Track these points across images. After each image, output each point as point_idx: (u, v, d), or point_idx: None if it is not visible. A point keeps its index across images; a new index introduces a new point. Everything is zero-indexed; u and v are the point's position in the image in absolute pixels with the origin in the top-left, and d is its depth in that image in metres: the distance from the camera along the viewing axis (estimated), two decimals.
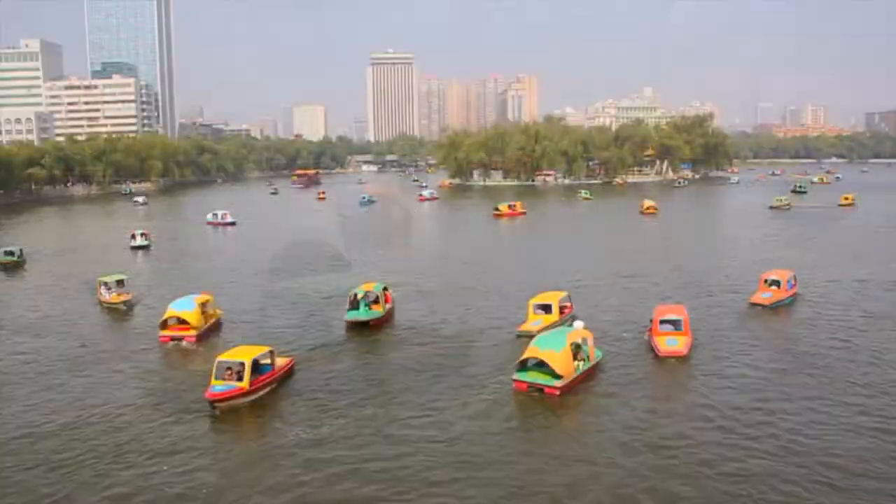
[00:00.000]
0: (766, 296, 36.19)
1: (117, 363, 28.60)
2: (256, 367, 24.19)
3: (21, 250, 55.47)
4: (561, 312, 32.49)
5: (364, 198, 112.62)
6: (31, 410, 23.45)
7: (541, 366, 24.38)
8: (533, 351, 24.61)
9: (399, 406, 23.45)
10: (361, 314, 32.93)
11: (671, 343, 27.82)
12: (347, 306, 33.71)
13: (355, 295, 33.72)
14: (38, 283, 47.65)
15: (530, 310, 32.36)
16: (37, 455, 19.97)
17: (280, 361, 25.77)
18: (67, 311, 38.56)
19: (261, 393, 23.88)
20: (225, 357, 24.42)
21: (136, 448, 20.36)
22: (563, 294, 34.09)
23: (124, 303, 37.94)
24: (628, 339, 30.46)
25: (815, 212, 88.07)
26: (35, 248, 63.12)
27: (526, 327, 30.96)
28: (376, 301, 33.76)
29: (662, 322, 28.92)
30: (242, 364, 23.60)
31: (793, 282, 37.75)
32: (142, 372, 27.51)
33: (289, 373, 26.05)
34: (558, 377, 23.78)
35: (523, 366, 24.64)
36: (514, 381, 24.44)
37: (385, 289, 34.90)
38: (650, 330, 29.38)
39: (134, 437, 21.11)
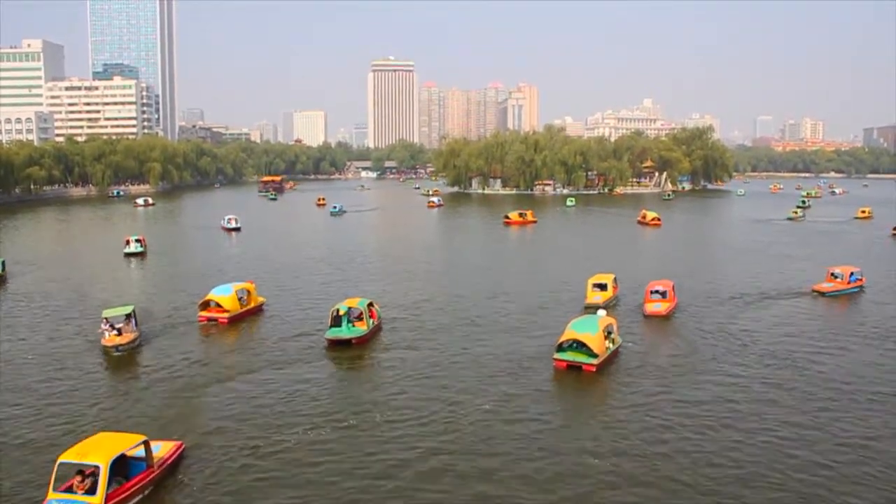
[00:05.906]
0: (828, 285, 42.77)
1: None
2: (123, 466, 17.38)
3: (3, 262, 48.58)
4: (613, 290, 39.38)
5: (335, 207, 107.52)
6: None
7: (578, 346, 27.45)
8: (570, 334, 27.68)
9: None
10: (343, 332, 30.85)
11: (656, 307, 36.04)
12: (328, 323, 31.72)
13: (337, 311, 31.71)
14: (15, 303, 40.43)
15: (589, 288, 38.94)
16: None
17: (163, 450, 18.82)
18: (34, 345, 31.40)
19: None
20: (70, 456, 16.72)
21: None
22: (613, 276, 40.26)
23: (116, 347, 29.43)
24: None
25: (835, 225, 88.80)
26: (25, 255, 59.06)
27: (589, 301, 37.78)
28: (360, 318, 31.76)
29: (652, 292, 37.28)
30: (96, 468, 16.49)
31: (859, 276, 43.67)
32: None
33: (176, 461, 19.05)
34: (595, 356, 26.94)
35: (561, 347, 27.67)
36: (555, 360, 27.50)
37: (370, 304, 33.03)
38: (644, 298, 37.65)
39: None
